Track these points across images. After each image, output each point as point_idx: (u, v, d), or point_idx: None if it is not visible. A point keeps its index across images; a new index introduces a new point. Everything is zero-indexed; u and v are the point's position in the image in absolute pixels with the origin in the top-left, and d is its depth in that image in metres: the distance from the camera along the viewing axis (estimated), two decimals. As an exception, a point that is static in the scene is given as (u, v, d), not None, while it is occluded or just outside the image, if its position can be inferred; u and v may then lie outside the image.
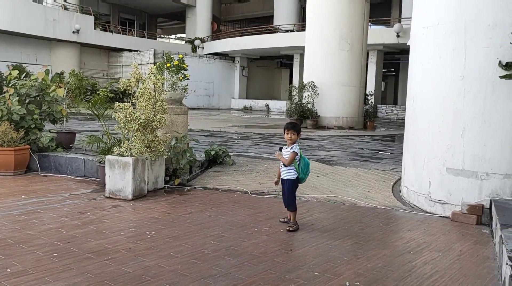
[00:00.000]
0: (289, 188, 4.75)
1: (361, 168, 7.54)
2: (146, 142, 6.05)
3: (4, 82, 8.35)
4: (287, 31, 33.28)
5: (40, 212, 5.15)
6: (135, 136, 6.06)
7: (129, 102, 6.11)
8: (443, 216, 5.37)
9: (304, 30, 31.42)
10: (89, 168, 7.28)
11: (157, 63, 6.89)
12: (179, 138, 6.87)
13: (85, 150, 7.10)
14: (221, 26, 46.15)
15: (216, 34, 39.67)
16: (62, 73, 28.79)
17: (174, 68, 6.88)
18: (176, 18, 47.39)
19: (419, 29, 5.82)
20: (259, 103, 35.04)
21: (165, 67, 6.85)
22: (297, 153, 4.64)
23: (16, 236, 4.28)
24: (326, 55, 16.53)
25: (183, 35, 48.62)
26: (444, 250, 4.27)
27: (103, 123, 6.73)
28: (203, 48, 37.55)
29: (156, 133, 6.22)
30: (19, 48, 29.82)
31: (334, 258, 3.97)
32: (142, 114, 5.97)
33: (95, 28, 33.18)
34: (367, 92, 18.96)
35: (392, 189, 6.55)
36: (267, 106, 34.25)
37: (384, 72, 31.02)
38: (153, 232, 4.52)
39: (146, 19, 44.42)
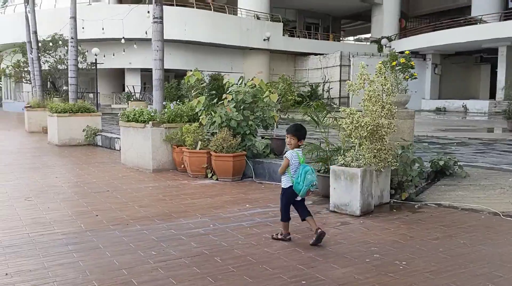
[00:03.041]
0: (281, 196, 4.38)
1: None
2: (374, 151, 5.36)
3: (205, 88, 8.64)
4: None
5: (270, 225, 4.87)
6: (361, 144, 5.42)
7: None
8: None
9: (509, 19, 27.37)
10: (303, 176, 6.91)
11: (380, 62, 6.13)
12: (406, 146, 6.02)
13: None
14: (407, 22, 43.44)
15: (404, 31, 37.40)
16: (251, 79, 30.52)
17: (400, 67, 6.06)
18: (360, 19, 46.37)
19: None
20: (455, 104, 31.75)
21: (390, 65, 6.07)
22: (289, 160, 4.24)
23: (255, 254, 3.99)
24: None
25: (366, 35, 47.38)
26: None
27: (323, 130, 6.30)
28: (390, 47, 35.73)
29: (385, 141, 5.48)
30: (217, 58, 32.52)
31: None
32: (372, 120, 5.29)
33: (283, 35, 34.34)
34: None
35: None
36: (465, 106, 30.79)
37: None
38: (404, 262, 3.77)
39: (330, 21, 44.45)
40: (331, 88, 33.09)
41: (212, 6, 31.67)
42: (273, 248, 4.15)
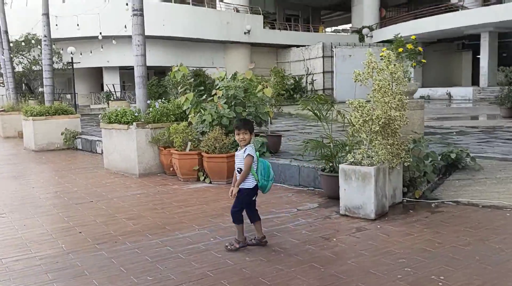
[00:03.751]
0: (244, 198, 3.94)
1: None
2: (387, 146, 4.86)
3: (192, 84, 8.05)
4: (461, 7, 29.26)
5: (277, 235, 4.33)
6: (371, 140, 4.91)
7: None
8: None
9: (490, 4, 27.31)
10: (304, 176, 6.41)
11: (384, 49, 5.63)
12: (418, 139, 5.54)
13: (302, 155, 6.25)
14: (387, 12, 43.21)
15: (386, 20, 37.15)
16: (235, 74, 29.88)
17: (407, 53, 5.56)
18: (340, 9, 46.01)
19: None
20: (438, 91, 31.56)
21: (396, 52, 5.56)
22: (253, 157, 3.90)
23: (267, 274, 3.44)
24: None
25: (345, 26, 47.08)
26: None
27: (326, 125, 5.76)
28: (371, 36, 35.47)
29: (397, 135, 4.98)
30: (197, 53, 31.73)
31: None
32: (383, 112, 4.78)
33: (264, 27, 33.71)
34: None
35: None
36: (449, 94, 30.63)
37: None
38: (441, 277, 3.27)
39: (310, 13, 43.97)
40: (315, 80, 32.65)
41: (190, 1, 30.86)
42: (286, 265, 3.60)
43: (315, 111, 5.76)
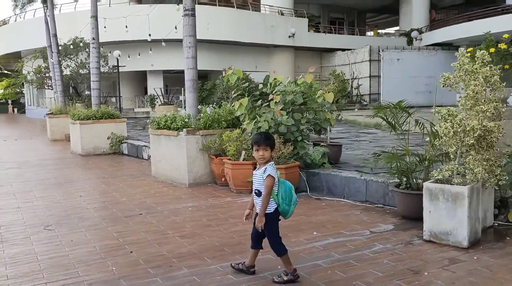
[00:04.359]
0: (270, 225, 3.41)
1: None
2: (483, 162, 4.15)
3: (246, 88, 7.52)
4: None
5: (356, 266, 3.71)
6: (464, 154, 4.22)
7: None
8: None
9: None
10: (372, 191, 5.75)
11: (468, 50, 4.92)
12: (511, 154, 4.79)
13: (372, 168, 5.62)
14: (436, 14, 41.57)
15: (436, 23, 35.66)
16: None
17: (502, 53, 4.84)
18: (386, 12, 44.65)
19: None
20: (493, 97, 29.88)
21: (488, 52, 4.83)
22: (275, 178, 3.38)
23: (357, 320, 2.84)
24: None
25: (391, 29, 45.69)
26: None
27: (402, 136, 5.10)
28: (421, 39, 34.09)
29: (494, 150, 4.26)
30: (241, 57, 31.35)
31: None
32: (478, 123, 4.08)
33: (308, 31, 33.02)
34: None
35: None
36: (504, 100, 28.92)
37: None
38: None
39: (355, 16, 42.90)
40: (361, 85, 31.66)
41: (235, 4, 30.58)
42: (377, 308, 3.00)
43: (390, 120, 5.10)
